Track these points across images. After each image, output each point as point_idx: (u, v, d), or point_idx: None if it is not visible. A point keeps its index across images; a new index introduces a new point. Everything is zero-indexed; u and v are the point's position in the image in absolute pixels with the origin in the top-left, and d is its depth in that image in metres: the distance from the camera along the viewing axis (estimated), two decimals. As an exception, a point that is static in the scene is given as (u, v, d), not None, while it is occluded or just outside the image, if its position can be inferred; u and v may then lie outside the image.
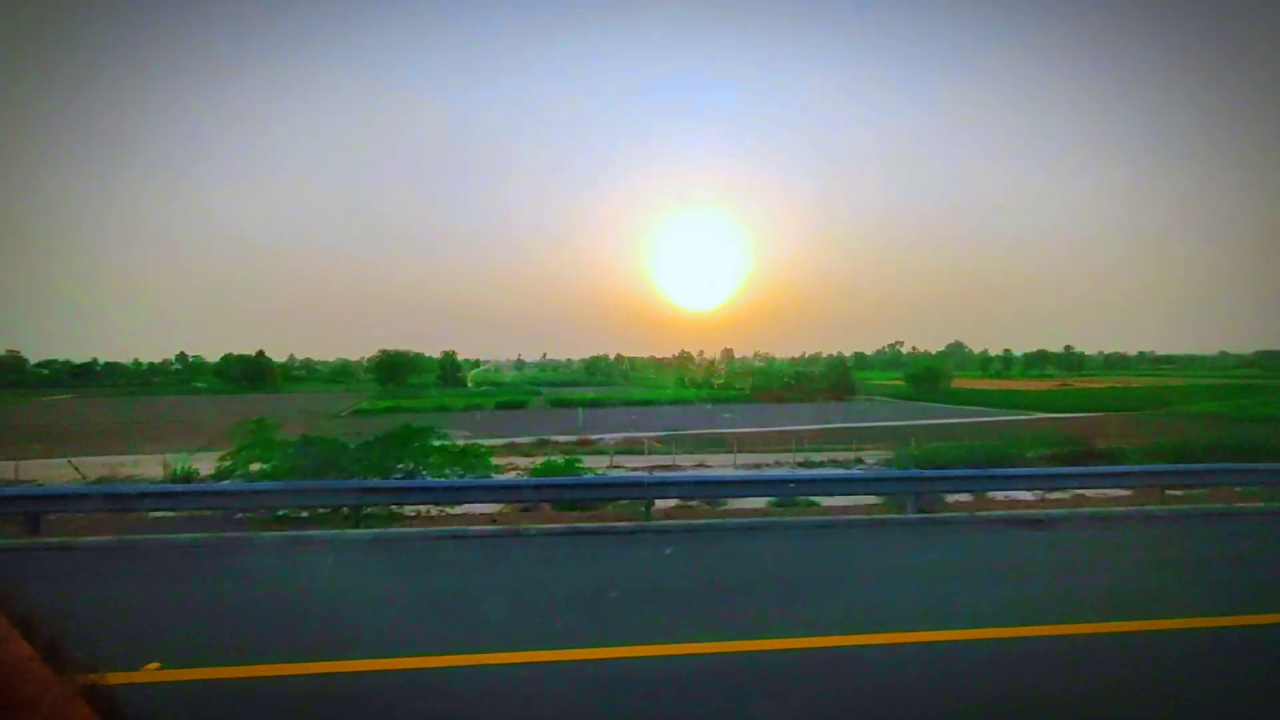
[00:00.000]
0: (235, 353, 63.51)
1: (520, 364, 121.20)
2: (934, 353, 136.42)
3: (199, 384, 61.55)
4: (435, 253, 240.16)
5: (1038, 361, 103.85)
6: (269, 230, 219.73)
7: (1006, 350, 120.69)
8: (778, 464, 16.73)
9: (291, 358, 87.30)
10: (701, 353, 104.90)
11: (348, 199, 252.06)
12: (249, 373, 60.12)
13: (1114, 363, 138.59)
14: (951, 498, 9.15)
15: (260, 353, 63.21)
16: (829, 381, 51.59)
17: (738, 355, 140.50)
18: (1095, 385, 59.80)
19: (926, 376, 51.55)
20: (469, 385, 67.94)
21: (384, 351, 62.87)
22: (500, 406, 43.37)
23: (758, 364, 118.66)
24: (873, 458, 15.84)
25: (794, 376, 56.55)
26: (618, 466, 15.96)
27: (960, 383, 55.48)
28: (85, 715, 0.39)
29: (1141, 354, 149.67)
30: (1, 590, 0.41)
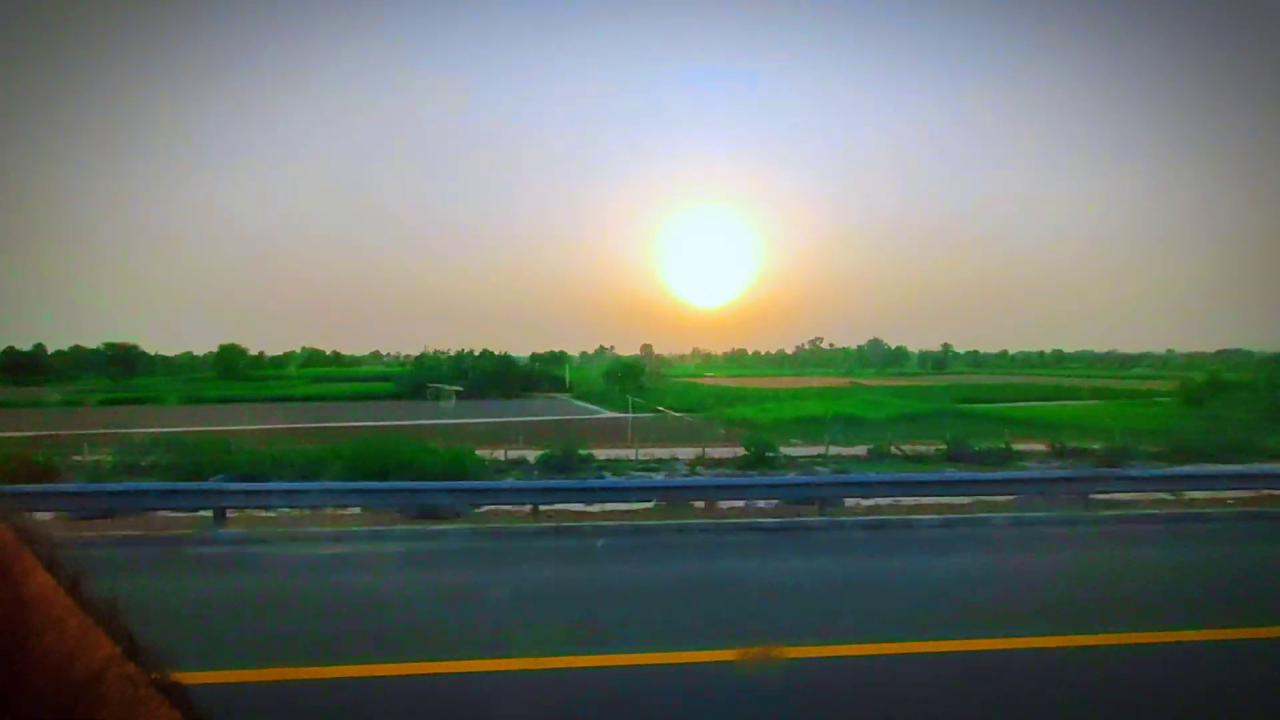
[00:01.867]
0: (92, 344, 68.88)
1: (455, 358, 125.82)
2: (851, 349, 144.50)
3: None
4: (430, 248, 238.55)
5: (896, 358, 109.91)
6: (267, 225, 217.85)
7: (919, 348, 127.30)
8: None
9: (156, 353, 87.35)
10: (612, 347, 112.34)
11: (353, 194, 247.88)
12: (22, 366, 65.13)
13: (1024, 360, 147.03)
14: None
15: (39, 345, 71.09)
16: (495, 376, 52.59)
17: (665, 353, 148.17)
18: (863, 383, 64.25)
19: (625, 374, 54.14)
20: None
21: (221, 346, 70.15)
22: (184, 401, 43.93)
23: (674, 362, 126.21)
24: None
25: (453, 370, 56.42)
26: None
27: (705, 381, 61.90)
28: (166, 712, 0.40)
29: (1058, 351, 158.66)
30: (85, 587, 0.41)
